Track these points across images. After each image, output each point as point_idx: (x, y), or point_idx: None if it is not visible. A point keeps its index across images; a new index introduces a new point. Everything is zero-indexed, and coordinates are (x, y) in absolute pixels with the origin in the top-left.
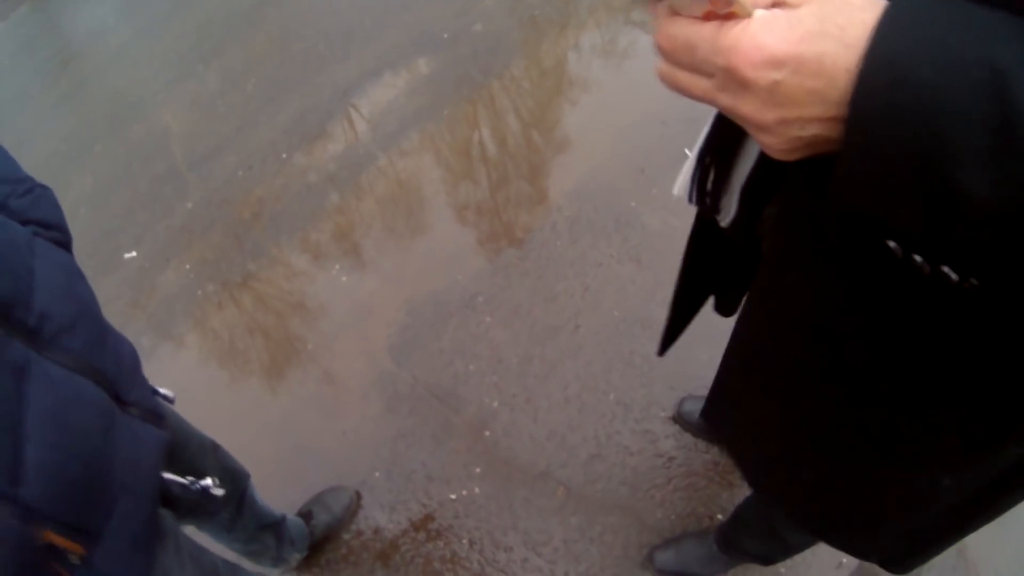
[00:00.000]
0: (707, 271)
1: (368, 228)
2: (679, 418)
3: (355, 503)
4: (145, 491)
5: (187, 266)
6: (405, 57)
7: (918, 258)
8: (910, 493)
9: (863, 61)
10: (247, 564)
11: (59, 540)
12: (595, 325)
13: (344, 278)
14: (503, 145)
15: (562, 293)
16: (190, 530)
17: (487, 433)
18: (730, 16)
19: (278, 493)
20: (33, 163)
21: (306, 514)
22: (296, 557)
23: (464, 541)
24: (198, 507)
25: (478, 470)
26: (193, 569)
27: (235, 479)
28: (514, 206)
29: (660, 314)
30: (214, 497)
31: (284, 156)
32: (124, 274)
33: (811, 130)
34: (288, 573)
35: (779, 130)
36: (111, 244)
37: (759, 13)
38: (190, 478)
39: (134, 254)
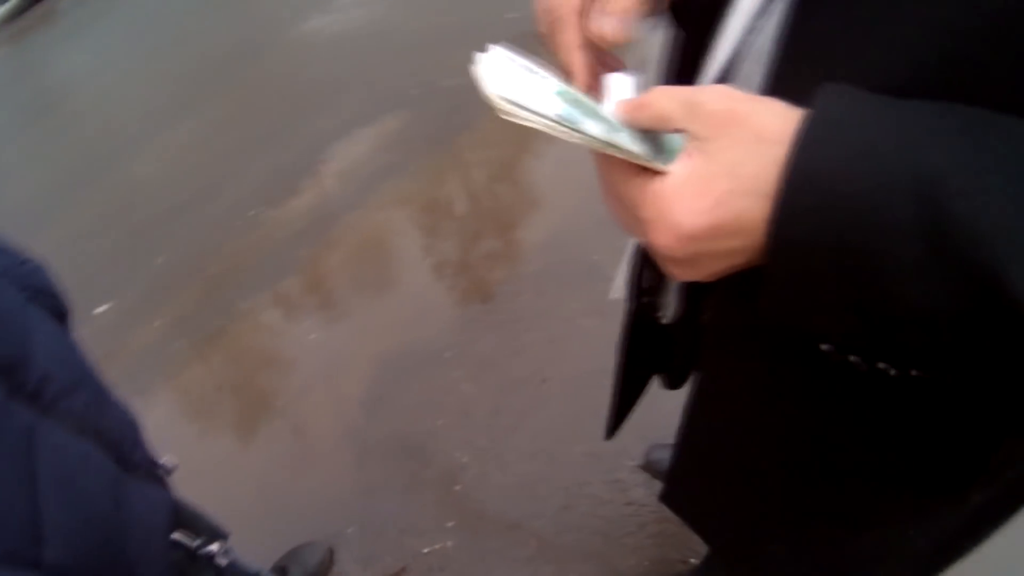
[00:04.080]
0: (647, 358)
1: (337, 283)
2: (648, 466)
3: (328, 558)
4: (159, 554)
5: (157, 322)
6: (374, 113)
7: (854, 358)
8: (879, 546)
9: (778, 194)
10: None
11: None
12: (562, 377)
13: (313, 335)
14: (471, 199)
15: (529, 346)
16: None
17: (458, 487)
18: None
19: (252, 549)
20: (4, 210)
21: (281, 569)
22: None
23: None
24: (188, 568)
25: (450, 523)
26: None
27: (218, 539)
28: (482, 260)
29: None
30: (211, 561)
31: (253, 213)
32: (94, 328)
33: (737, 267)
34: None
35: (705, 277)
36: (83, 297)
37: (674, 171)
38: (199, 539)
39: (104, 308)
